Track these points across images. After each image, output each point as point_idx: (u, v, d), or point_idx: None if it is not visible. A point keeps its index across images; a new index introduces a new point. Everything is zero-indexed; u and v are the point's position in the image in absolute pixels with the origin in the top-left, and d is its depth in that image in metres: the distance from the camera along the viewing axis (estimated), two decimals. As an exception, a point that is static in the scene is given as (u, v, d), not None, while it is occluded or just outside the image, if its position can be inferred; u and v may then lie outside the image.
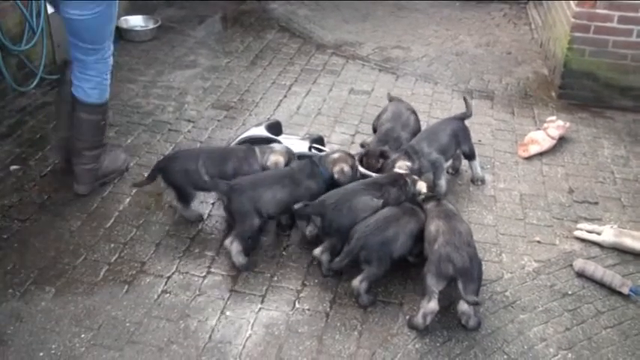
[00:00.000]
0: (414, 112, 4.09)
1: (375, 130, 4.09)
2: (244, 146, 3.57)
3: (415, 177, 3.38)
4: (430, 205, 3.15)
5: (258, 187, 3.19)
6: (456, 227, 2.95)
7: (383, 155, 3.68)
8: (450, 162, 3.91)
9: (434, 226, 2.98)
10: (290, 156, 3.51)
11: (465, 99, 4.06)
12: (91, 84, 3.50)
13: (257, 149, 3.50)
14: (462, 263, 2.76)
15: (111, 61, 3.58)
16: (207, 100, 4.83)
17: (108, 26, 3.46)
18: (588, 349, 2.82)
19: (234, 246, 3.14)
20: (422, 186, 3.31)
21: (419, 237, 3.07)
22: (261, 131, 3.88)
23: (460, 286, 2.75)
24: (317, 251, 3.15)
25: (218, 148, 3.82)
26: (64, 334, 2.76)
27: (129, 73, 5.19)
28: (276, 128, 4.01)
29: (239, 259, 3.15)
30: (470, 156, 3.92)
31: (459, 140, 3.84)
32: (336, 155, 3.42)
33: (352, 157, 3.48)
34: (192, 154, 3.43)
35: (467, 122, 3.96)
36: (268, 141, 3.75)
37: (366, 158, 3.72)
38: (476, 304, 2.85)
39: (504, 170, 4.10)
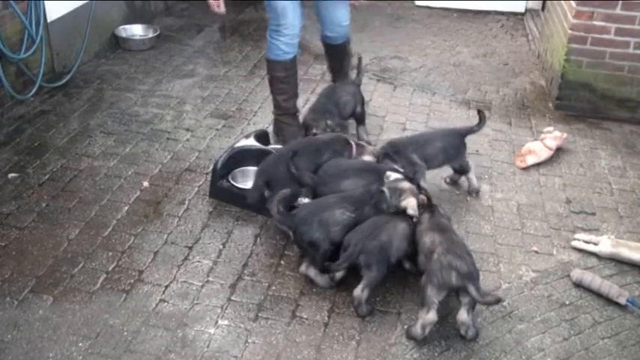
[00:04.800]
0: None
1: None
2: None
3: (405, 186, 3.19)
4: (423, 217, 3.13)
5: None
6: (452, 238, 2.96)
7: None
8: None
9: (428, 238, 2.97)
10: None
11: (479, 112, 3.92)
12: None
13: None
14: (466, 268, 2.76)
15: None
16: (205, 109, 4.84)
17: None
18: (586, 359, 2.82)
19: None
20: (409, 203, 3.08)
21: (411, 238, 3.07)
22: (252, 142, 3.90)
23: (472, 291, 2.75)
24: (302, 268, 3.15)
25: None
26: (61, 343, 2.76)
27: (127, 81, 5.20)
28: (264, 137, 4.03)
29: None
30: (462, 172, 3.90)
31: (449, 156, 3.82)
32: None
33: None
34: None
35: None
36: (261, 152, 3.76)
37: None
38: (498, 301, 2.87)
39: (502, 180, 4.11)
